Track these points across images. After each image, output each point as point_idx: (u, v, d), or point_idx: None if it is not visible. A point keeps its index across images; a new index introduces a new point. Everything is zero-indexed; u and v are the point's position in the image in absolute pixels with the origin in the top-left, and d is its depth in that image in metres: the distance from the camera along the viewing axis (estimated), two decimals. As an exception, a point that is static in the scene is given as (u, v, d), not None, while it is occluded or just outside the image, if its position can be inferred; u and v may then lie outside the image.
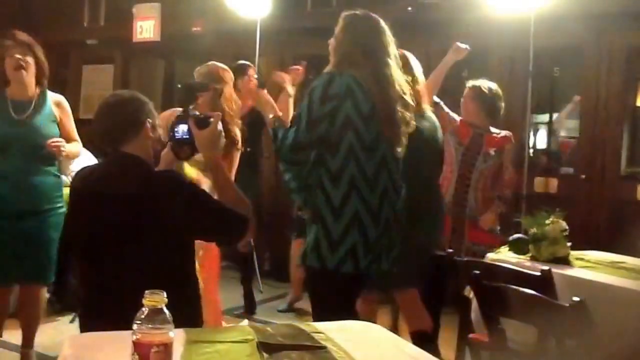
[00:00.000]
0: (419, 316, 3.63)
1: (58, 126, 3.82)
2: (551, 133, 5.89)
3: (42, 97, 3.78)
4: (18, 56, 3.70)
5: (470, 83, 4.36)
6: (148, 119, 2.45)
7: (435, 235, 3.77)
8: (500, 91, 4.34)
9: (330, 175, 2.92)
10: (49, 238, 3.73)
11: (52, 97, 3.87)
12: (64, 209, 3.80)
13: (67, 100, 4.02)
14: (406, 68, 3.41)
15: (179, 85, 5.69)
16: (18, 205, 3.65)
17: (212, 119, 2.51)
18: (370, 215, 2.93)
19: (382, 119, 2.96)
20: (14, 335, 4.20)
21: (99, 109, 2.47)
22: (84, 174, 2.47)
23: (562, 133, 5.96)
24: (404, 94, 3.04)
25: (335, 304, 2.97)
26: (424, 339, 3.43)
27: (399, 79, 3.04)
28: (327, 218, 2.92)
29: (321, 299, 3.05)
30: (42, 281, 3.84)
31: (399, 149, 3.05)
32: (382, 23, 3.09)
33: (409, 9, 5.78)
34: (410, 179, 3.22)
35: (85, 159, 5.59)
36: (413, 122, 3.10)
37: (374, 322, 3.42)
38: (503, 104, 4.37)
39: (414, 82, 3.49)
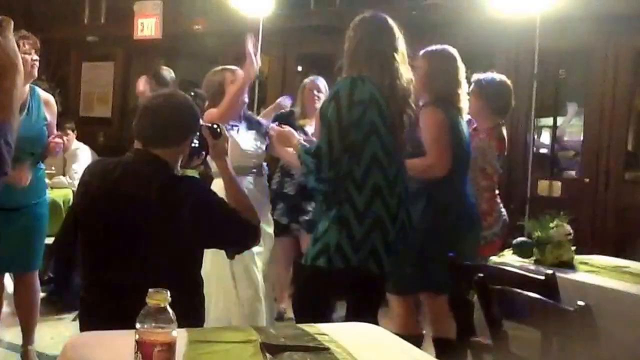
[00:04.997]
0: (446, 323, 3.59)
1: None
2: (555, 135, 5.87)
3: (33, 96, 3.76)
4: (35, 57, 3.72)
5: (474, 77, 4.24)
6: (193, 135, 2.45)
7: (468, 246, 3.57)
8: (507, 83, 4.16)
9: (355, 182, 2.98)
10: (38, 228, 3.79)
11: (42, 95, 3.86)
12: (47, 199, 3.90)
13: (67, 98, 4.03)
14: (450, 66, 3.52)
15: (192, 93, 5.66)
16: (11, 200, 3.63)
17: (220, 128, 2.58)
18: (390, 218, 3.01)
19: (397, 124, 3.04)
20: (12, 334, 4.18)
21: (152, 106, 2.42)
22: (104, 170, 2.39)
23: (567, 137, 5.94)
24: (410, 95, 3.10)
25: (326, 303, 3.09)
26: (448, 346, 3.41)
27: (406, 77, 3.08)
28: (351, 221, 2.97)
29: (327, 297, 3.11)
30: (33, 269, 3.86)
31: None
32: (389, 21, 3.13)
33: (414, 12, 5.76)
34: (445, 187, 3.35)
35: (89, 158, 5.60)
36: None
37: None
38: (512, 99, 4.15)
39: (456, 85, 3.53)
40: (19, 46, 3.61)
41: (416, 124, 3.36)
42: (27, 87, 3.73)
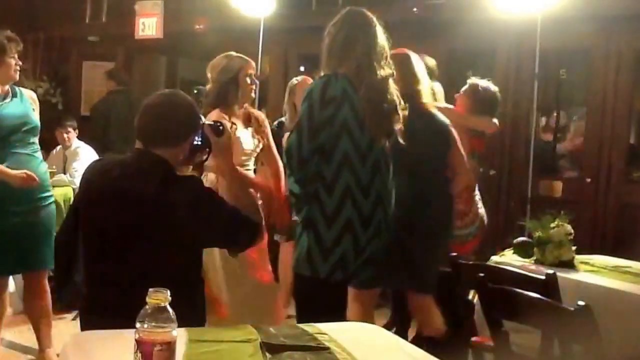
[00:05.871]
0: (433, 322, 3.58)
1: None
2: (556, 135, 5.86)
3: (14, 90, 3.76)
4: (19, 62, 3.71)
5: (471, 79, 4.28)
6: (193, 135, 2.44)
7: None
8: (498, 95, 4.24)
9: (325, 183, 2.93)
10: (46, 227, 3.77)
11: (25, 91, 3.86)
12: (53, 198, 3.89)
13: (68, 97, 4.01)
14: (406, 67, 3.40)
15: (195, 91, 5.63)
16: (13, 197, 3.64)
17: (222, 126, 2.55)
18: (361, 222, 2.95)
19: (374, 122, 2.96)
20: (12, 334, 4.18)
21: (152, 105, 2.41)
22: (104, 168, 2.39)
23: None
24: (389, 87, 3.02)
25: (326, 311, 2.93)
26: (435, 345, 3.40)
27: (383, 72, 3.01)
28: (320, 225, 2.93)
29: (311, 305, 3.04)
30: (43, 268, 3.83)
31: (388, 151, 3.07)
32: (368, 15, 3.06)
33: (415, 10, 5.75)
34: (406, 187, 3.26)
35: (90, 156, 5.59)
36: (399, 122, 3.08)
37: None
38: (496, 109, 4.26)
39: (415, 81, 3.46)
40: (5, 49, 3.63)
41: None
42: (7, 86, 3.72)
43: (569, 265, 3.22)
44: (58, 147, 5.92)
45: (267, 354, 1.76)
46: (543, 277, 2.78)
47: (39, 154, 3.81)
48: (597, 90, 5.44)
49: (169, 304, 1.48)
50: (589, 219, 5.29)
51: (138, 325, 1.45)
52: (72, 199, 4.99)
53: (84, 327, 2.27)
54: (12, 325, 4.14)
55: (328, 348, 1.84)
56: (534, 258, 3.31)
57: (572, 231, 3.28)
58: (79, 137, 6.04)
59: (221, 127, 2.56)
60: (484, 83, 4.24)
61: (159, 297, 1.46)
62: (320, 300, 3.00)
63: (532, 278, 2.84)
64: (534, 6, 4.92)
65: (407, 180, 3.34)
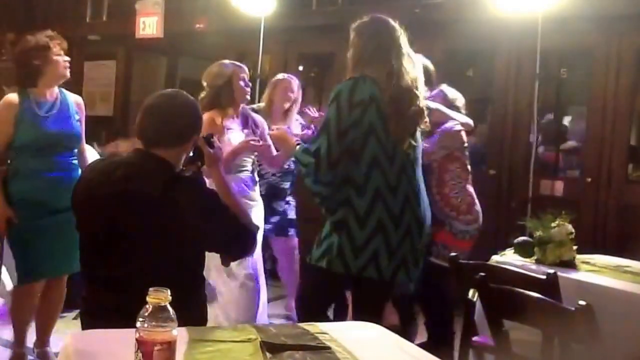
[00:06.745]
0: (389, 314, 3.63)
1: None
2: (557, 135, 5.86)
3: (62, 96, 3.76)
4: (66, 58, 3.70)
5: (446, 88, 4.34)
6: (195, 136, 2.45)
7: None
8: (458, 103, 4.31)
9: (356, 186, 2.97)
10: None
11: (71, 96, 3.86)
12: None
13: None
14: None
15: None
16: (56, 202, 3.62)
17: (214, 138, 2.63)
18: (392, 222, 2.99)
19: (400, 126, 3.00)
20: (10, 333, 4.17)
21: (155, 105, 2.41)
22: (106, 169, 2.38)
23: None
24: (417, 91, 3.06)
25: (362, 309, 3.05)
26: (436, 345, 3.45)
27: (411, 75, 3.05)
28: (352, 226, 2.97)
29: (327, 296, 3.17)
30: (73, 271, 3.77)
31: (414, 149, 3.09)
32: (391, 21, 3.13)
33: (416, 10, 5.75)
34: None
35: (91, 156, 5.58)
36: (424, 123, 3.13)
37: None
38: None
39: None
40: (49, 48, 3.62)
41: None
42: (56, 88, 3.72)
43: (570, 265, 3.22)
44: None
45: (268, 354, 1.76)
46: (544, 277, 2.78)
47: (76, 160, 3.80)
48: (598, 90, 5.43)
49: (170, 303, 1.48)
50: (590, 219, 5.29)
51: (138, 324, 1.45)
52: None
53: (85, 329, 2.27)
54: (11, 324, 4.13)
55: (329, 347, 1.84)
56: (535, 258, 3.31)
57: (573, 231, 3.28)
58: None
59: (213, 140, 2.60)
60: (450, 91, 4.33)
61: (159, 296, 1.46)
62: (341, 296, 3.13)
63: (533, 278, 2.84)
64: (535, 6, 4.91)
65: None
